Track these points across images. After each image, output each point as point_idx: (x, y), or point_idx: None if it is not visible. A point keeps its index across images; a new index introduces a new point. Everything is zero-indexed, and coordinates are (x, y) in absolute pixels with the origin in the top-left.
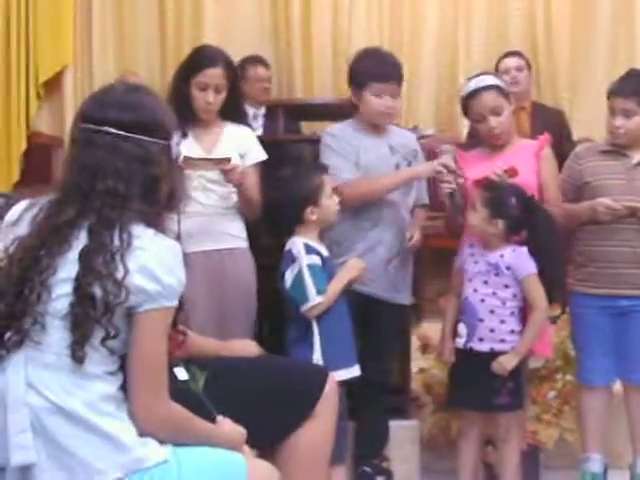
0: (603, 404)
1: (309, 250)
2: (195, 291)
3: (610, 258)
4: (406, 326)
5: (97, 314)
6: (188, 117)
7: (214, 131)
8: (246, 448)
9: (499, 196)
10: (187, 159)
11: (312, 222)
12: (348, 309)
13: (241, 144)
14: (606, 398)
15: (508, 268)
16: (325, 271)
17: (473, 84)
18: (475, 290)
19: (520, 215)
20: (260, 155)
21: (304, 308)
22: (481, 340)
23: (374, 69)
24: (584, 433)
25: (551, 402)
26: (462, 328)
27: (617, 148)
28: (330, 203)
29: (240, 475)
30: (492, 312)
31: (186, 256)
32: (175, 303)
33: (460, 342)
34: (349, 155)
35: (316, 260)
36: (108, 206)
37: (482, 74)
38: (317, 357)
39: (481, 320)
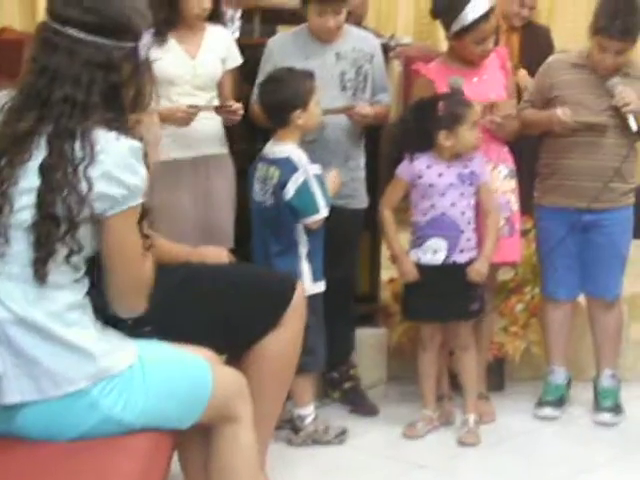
0: (566, 318)
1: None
2: (182, 198)
3: (572, 171)
4: (362, 229)
5: (60, 233)
6: (173, 21)
7: (196, 34)
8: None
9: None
10: (192, 107)
11: (296, 127)
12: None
13: (222, 48)
14: (569, 312)
15: (472, 174)
16: None
17: (470, 13)
18: (453, 204)
19: None
20: (238, 60)
21: (310, 220)
22: (461, 251)
23: None
24: (548, 346)
25: (518, 315)
26: (440, 244)
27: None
28: (317, 110)
29: (205, 380)
30: (469, 223)
31: (174, 162)
32: (140, 200)
33: (439, 258)
34: (294, 63)
35: (319, 171)
36: (66, 115)
37: None
38: (306, 270)
39: (462, 232)
